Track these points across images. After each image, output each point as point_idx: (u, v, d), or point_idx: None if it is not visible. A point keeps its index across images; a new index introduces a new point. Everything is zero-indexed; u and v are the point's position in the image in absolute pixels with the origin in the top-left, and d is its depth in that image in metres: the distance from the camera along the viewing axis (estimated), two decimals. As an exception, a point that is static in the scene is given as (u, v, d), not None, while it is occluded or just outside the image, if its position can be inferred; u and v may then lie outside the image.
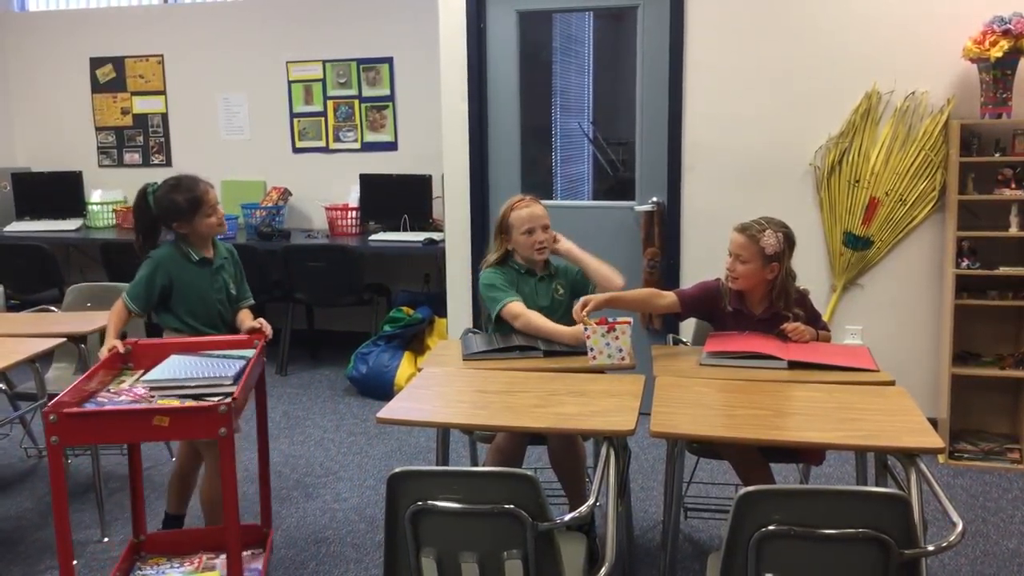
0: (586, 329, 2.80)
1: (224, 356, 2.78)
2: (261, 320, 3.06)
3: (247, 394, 2.64)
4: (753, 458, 2.83)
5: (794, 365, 2.71)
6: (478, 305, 3.41)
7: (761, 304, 2.99)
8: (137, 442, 2.89)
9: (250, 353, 2.81)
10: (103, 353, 2.83)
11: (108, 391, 2.61)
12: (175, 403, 2.45)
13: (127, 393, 2.58)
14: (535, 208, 3.16)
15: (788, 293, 2.96)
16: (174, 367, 2.66)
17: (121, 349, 2.84)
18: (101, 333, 3.79)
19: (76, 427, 2.28)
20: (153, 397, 2.52)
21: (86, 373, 2.64)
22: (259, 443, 3.12)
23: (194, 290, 3.05)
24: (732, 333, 2.99)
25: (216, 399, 2.43)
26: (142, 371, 2.76)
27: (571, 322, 2.98)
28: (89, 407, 2.44)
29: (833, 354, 2.82)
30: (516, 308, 3.04)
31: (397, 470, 1.99)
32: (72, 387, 2.46)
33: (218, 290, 3.10)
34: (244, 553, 2.98)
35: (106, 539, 3.35)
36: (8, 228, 6.07)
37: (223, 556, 2.94)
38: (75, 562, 3.16)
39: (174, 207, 3.00)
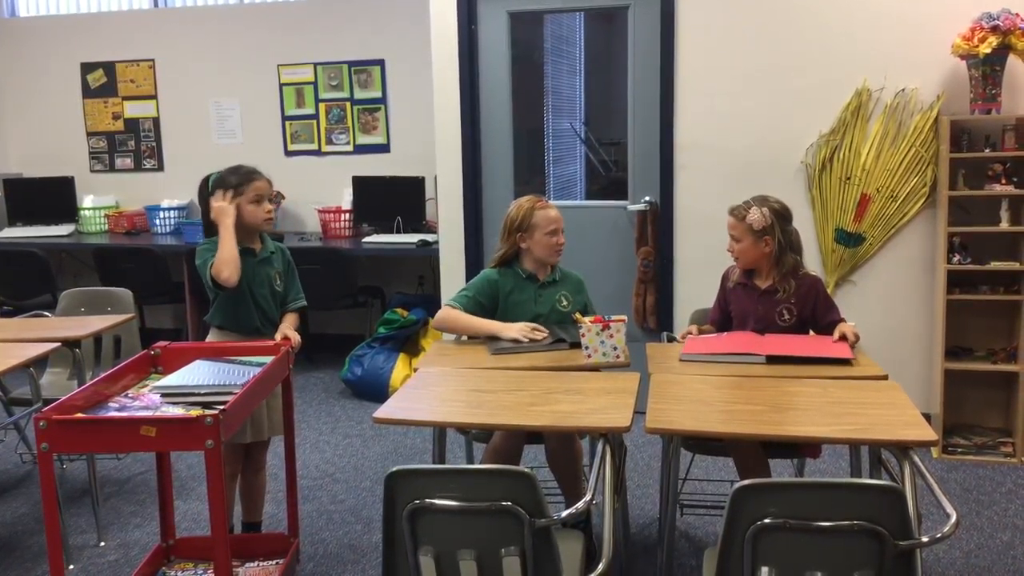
0: (580, 327, 2.82)
1: (244, 363, 2.71)
2: (287, 332, 3.03)
3: (253, 402, 2.58)
4: (755, 456, 2.86)
5: (773, 360, 2.74)
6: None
7: (768, 278, 3.09)
8: (127, 451, 2.80)
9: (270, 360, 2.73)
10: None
11: (127, 395, 2.55)
12: (180, 411, 2.37)
13: (143, 398, 2.52)
14: (556, 210, 3.18)
15: (783, 264, 3.04)
16: (191, 373, 2.58)
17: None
18: (95, 338, 3.81)
19: (65, 435, 2.23)
20: (163, 404, 2.45)
21: (108, 372, 2.59)
22: (286, 453, 3.08)
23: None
24: (710, 336, 3.07)
25: (215, 409, 2.34)
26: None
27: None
28: (99, 414, 2.38)
29: (808, 345, 2.86)
30: (442, 313, 3.17)
31: (395, 469, 1.99)
32: (89, 387, 2.42)
33: (260, 284, 3.06)
34: (266, 563, 2.95)
35: (102, 543, 3.34)
36: (0, 234, 6.06)
37: (248, 565, 2.94)
38: (72, 567, 3.17)
39: (222, 183, 3.03)
